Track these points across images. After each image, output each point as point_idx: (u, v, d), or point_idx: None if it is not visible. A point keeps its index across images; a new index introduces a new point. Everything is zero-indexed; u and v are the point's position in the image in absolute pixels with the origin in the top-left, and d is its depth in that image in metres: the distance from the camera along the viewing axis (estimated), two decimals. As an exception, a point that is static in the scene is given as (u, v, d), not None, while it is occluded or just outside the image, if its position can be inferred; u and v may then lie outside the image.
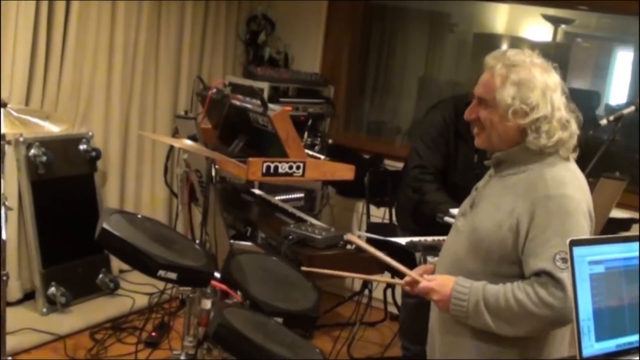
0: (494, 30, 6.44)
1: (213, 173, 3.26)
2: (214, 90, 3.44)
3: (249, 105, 3.29)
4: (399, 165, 5.40)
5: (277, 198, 4.27)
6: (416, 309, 4.27)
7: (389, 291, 4.82)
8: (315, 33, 5.66)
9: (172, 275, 2.12)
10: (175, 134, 3.67)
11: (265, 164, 3.09)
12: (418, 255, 3.07)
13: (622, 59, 6.17)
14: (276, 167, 3.12)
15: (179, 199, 3.05)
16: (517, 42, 6.35)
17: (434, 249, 3.15)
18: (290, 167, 3.16)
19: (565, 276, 1.99)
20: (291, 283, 2.59)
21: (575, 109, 2.21)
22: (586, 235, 2.05)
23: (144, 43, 4.84)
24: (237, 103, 3.35)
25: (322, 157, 3.45)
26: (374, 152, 5.49)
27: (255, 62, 5.44)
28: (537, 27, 5.99)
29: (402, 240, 3.24)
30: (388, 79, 6.20)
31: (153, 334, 4.22)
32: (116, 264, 4.84)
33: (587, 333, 1.76)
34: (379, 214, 5.10)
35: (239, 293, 2.37)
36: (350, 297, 4.97)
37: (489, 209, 2.20)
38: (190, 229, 3.57)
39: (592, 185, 3.23)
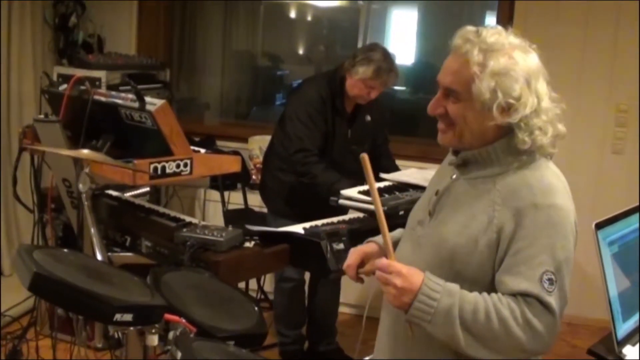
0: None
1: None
2: (68, 86, 3.04)
3: (119, 101, 2.91)
4: (233, 145, 5.22)
5: (127, 195, 3.91)
6: (291, 292, 4.15)
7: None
8: (128, 11, 5.28)
9: (128, 317, 1.79)
10: (22, 139, 3.23)
11: (152, 165, 2.76)
12: (324, 243, 2.90)
13: (405, 19, 6.36)
14: (163, 168, 2.80)
15: (90, 220, 2.65)
16: (304, 9, 6.36)
17: (337, 235, 3.00)
18: (178, 166, 2.84)
19: (553, 300, 1.75)
20: (227, 299, 2.33)
21: (558, 98, 1.88)
22: (572, 251, 1.83)
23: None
24: (103, 99, 2.97)
25: (203, 150, 3.16)
26: (192, 132, 5.23)
27: (68, 48, 4.95)
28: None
29: (296, 229, 3.06)
30: (193, 55, 6.00)
31: (8, 364, 3.76)
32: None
33: (617, 317, 1.70)
34: (216, 198, 4.89)
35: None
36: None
37: (459, 218, 1.89)
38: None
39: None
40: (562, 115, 1.88)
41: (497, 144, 1.87)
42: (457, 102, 1.87)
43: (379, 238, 2.15)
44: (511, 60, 1.81)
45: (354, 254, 2.12)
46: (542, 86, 1.84)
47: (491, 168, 1.89)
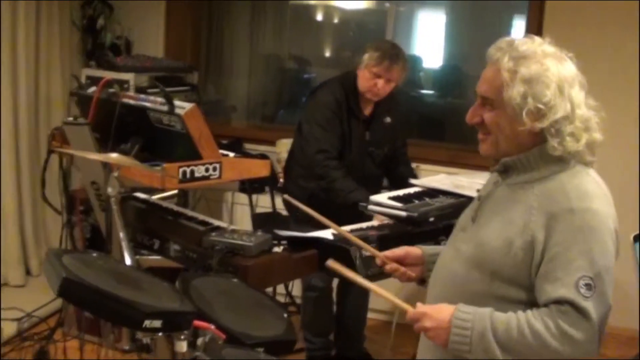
0: (309, 1, 6.38)
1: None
2: (97, 89, 3.04)
3: (148, 104, 2.91)
4: (260, 148, 5.19)
5: (155, 198, 3.91)
6: (318, 301, 4.12)
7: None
8: (156, 13, 5.28)
9: (158, 323, 1.77)
10: (51, 141, 3.23)
11: (181, 169, 2.75)
12: (353, 249, 2.87)
13: (433, 21, 6.30)
14: (192, 172, 2.79)
15: (118, 224, 2.64)
16: (331, 11, 6.34)
17: (367, 241, 2.96)
18: (207, 170, 2.84)
19: (591, 305, 1.73)
20: (256, 305, 2.32)
21: (597, 107, 1.88)
22: (612, 257, 1.80)
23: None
24: (132, 102, 2.97)
25: (232, 154, 3.14)
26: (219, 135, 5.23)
27: (95, 50, 4.96)
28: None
29: (324, 235, 3.03)
30: (220, 57, 5.98)
31: (36, 366, 3.76)
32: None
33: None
34: (244, 201, 4.87)
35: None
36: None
37: (497, 222, 1.91)
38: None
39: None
40: (601, 124, 1.87)
41: (533, 151, 1.88)
42: (491, 110, 1.90)
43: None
44: (543, 67, 1.82)
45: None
46: (577, 93, 1.84)
47: (530, 173, 1.90)
